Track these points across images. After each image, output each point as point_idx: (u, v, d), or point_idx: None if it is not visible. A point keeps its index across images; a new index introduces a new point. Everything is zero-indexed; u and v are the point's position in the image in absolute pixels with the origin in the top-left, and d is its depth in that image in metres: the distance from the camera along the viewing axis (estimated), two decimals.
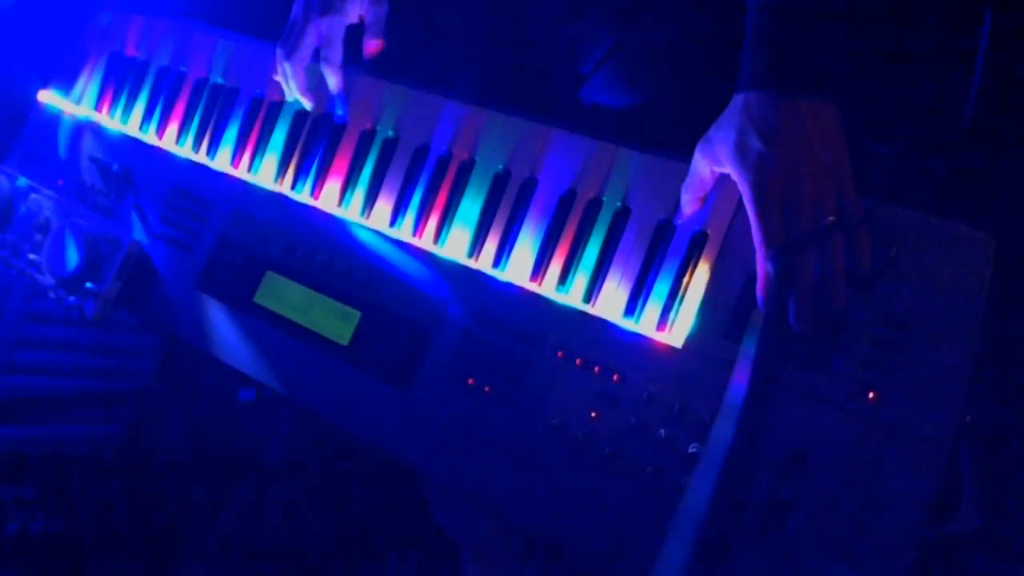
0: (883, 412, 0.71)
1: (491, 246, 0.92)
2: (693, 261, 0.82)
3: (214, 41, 1.16)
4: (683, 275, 0.82)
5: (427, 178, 0.98)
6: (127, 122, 1.20)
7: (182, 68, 1.18)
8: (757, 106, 0.75)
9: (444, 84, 1.01)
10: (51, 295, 1.09)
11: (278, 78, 1.06)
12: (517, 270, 0.90)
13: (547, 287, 0.88)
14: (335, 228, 1.00)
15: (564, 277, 0.88)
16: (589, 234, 0.88)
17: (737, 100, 0.77)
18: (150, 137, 1.17)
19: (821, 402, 0.73)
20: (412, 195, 0.98)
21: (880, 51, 0.90)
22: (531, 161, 0.93)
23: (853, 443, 0.71)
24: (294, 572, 1.43)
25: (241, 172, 1.09)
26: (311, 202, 1.03)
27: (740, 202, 0.79)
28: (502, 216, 0.93)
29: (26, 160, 1.24)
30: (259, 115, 1.10)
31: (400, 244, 0.96)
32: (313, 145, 1.06)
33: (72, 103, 1.25)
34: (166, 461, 1.54)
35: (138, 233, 1.11)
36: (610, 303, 0.85)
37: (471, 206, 0.95)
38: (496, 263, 0.92)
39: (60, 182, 1.20)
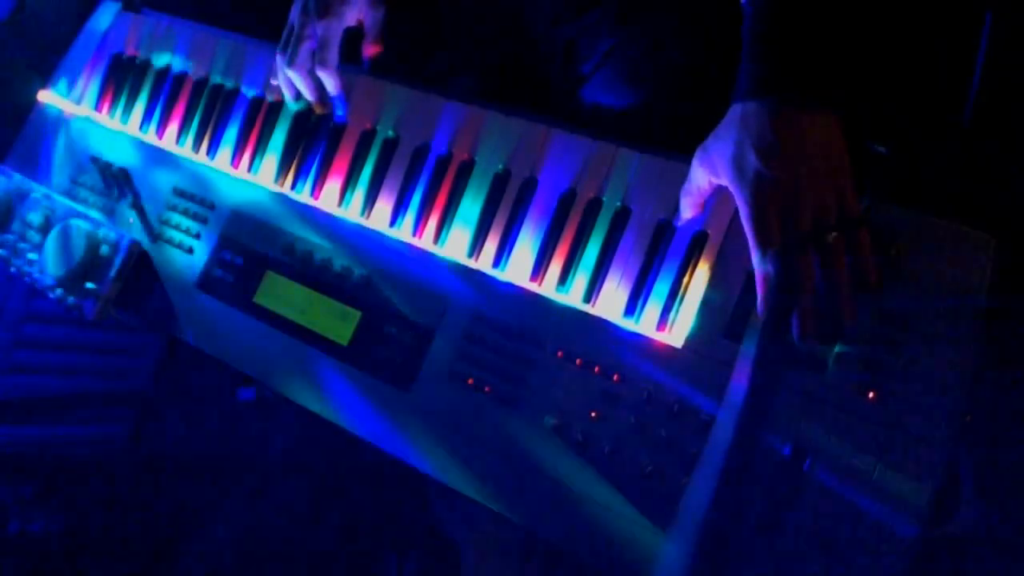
0: (883, 412, 0.71)
1: (491, 246, 0.92)
2: (693, 261, 0.82)
3: (214, 41, 1.16)
4: (683, 275, 0.82)
5: (427, 178, 0.98)
6: (127, 122, 1.20)
7: (182, 68, 1.18)
8: (755, 118, 0.72)
9: (444, 84, 1.01)
10: (51, 295, 1.09)
11: (277, 83, 1.07)
12: (517, 270, 0.90)
13: (547, 287, 0.88)
14: (335, 228, 1.00)
15: (564, 277, 0.88)
16: (589, 234, 0.88)
17: (735, 110, 0.75)
18: (150, 137, 1.17)
19: (821, 402, 0.73)
20: (412, 195, 0.98)
21: (880, 52, 0.90)
22: (531, 161, 0.93)
23: (853, 443, 0.71)
24: (294, 572, 1.43)
25: (241, 172, 1.09)
26: (311, 202, 1.03)
27: None
28: (502, 216, 0.93)
29: (26, 160, 1.24)
30: (259, 115, 1.10)
31: (400, 244, 0.96)
32: (313, 145, 1.06)
33: (72, 103, 1.25)
34: (166, 461, 1.54)
35: (138, 233, 1.11)
36: (610, 303, 0.85)
37: (471, 206, 0.95)
38: (496, 263, 0.92)
39: (60, 182, 1.20)
